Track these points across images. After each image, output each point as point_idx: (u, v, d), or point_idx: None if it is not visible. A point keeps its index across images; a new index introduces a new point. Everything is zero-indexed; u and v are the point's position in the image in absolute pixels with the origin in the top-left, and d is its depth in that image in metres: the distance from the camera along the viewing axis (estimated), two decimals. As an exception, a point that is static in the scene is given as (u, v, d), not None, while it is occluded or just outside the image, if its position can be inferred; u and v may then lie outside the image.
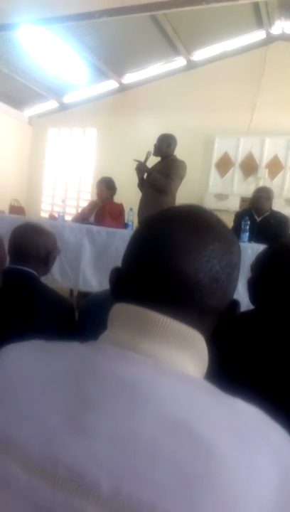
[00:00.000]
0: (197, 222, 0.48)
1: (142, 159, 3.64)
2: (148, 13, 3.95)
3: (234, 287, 0.50)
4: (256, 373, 0.79)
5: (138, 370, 0.42)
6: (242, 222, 3.20)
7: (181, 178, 3.64)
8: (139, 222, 3.70)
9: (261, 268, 1.06)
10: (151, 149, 3.69)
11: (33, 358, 0.46)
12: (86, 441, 0.38)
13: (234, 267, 0.49)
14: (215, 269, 0.46)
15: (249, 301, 1.08)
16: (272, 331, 0.91)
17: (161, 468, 0.36)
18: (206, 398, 0.41)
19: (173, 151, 3.73)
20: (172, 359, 0.44)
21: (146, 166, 3.64)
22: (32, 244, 1.36)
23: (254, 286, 1.07)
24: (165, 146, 3.67)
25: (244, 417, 0.41)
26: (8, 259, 1.40)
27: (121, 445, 0.37)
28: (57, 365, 0.44)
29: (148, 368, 0.42)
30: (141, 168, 3.64)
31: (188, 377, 0.44)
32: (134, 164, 3.65)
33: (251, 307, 1.06)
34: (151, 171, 3.63)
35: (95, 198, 4.49)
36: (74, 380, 0.42)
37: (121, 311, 0.48)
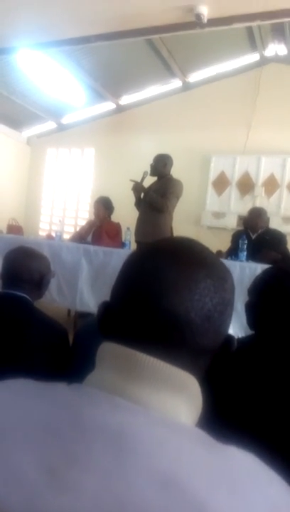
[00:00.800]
0: (188, 257, 0.46)
1: (139, 179, 3.67)
2: (143, 38, 4.03)
3: (228, 325, 0.47)
4: (252, 415, 0.76)
5: (126, 420, 0.39)
6: (239, 242, 3.19)
7: (178, 197, 3.65)
8: (136, 241, 3.70)
9: (259, 292, 1.04)
10: (148, 169, 3.72)
11: (14, 403, 0.43)
12: (69, 500, 0.35)
13: (227, 304, 0.46)
14: (206, 307, 0.44)
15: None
16: (271, 364, 0.88)
17: None
18: (199, 450, 0.38)
19: (169, 171, 3.75)
20: (162, 405, 0.42)
21: (142, 186, 3.66)
22: (25, 268, 1.35)
23: (252, 310, 1.05)
24: (161, 165, 3.69)
25: (239, 469, 0.38)
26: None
27: (107, 505, 0.34)
28: (40, 413, 0.41)
29: (137, 416, 0.40)
30: (137, 188, 3.65)
31: (179, 427, 0.41)
32: (131, 184, 3.67)
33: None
34: (147, 191, 3.65)
35: (93, 217, 4.50)
36: (58, 430, 0.39)
37: (109, 352, 0.45)
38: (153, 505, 0.33)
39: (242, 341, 0.93)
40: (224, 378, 0.54)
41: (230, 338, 0.48)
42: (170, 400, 0.42)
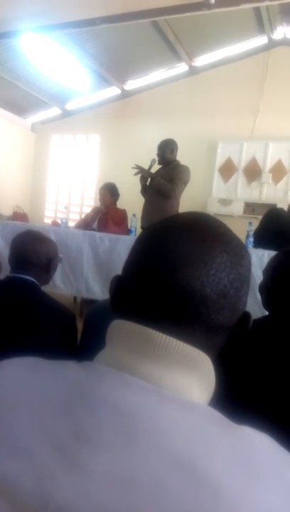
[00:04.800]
0: (204, 231, 0.45)
1: (145, 165, 3.63)
2: (149, 20, 3.95)
3: (244, 303, 0.46)
4: (266, 395, 0.75)
5: (137, 398, 0.38)
6: (247, 229, 3.17)
7: (185, 183, 3.62)
8: (142, 227, 3.68)
9: (269, 273, 1.05)
10: (155, 157, 3.68)
11: (24, 380, 0.42)
12: (80, 480, 0.34)
13: (243, 281, 0.45)
14: (222, 283, 0.43)
15: (254, 310, 1.07)
16: (284, 344, 0.87)
17: None
18: (212, 430, 0.37)
19: (176, 156, 3.72)
20: (175, 384, 0.40)
21: (150, 172, 3.62)
22: (33, 251, 1.34)
23: (266, 291, 1.06)
24: (169, 152, 3.66)
25: (254, 450, 0.37)
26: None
27: (118, 485, 0.33)
28: (50, 390, 0.40)
29: (149, 395, 0.39)
30: (144, 174, 3.62)
31: (192, 406, 0.40)
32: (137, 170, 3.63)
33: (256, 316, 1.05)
34: (154, 176, 3.62)
35: (98, 204, 4.48)
36: (68, 408, 0.38)
37: (121, 329, 0.44)
38: (167, 486, 0.33)
39: (257, 321, 0.94)
40: (238, 358, 0.53)
41: (247, 315, 0.46)
42: (182, 378, 0.41)
